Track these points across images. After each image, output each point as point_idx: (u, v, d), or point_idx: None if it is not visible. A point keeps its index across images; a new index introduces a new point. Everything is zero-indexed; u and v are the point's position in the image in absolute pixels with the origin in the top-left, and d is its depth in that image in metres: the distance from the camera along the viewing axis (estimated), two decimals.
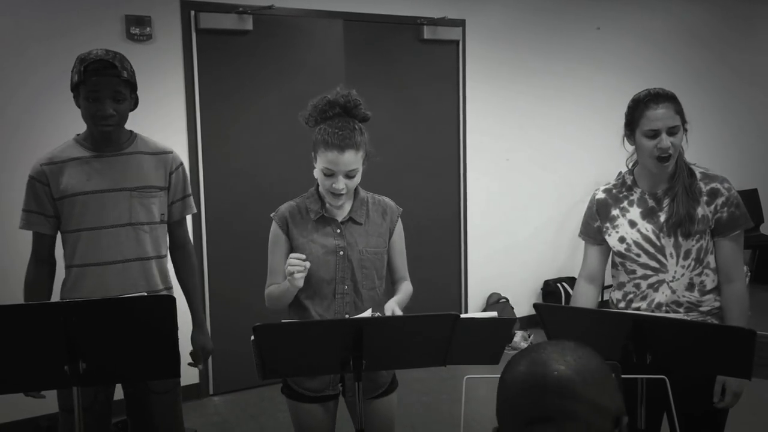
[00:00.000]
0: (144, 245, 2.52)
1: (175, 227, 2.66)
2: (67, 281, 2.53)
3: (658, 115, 2.34)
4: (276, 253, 2.42)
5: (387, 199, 2.50)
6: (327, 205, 2.38)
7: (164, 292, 2.59)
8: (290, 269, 2.20)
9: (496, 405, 1.19)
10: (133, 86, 2.48)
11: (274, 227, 2.42)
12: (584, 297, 2.61)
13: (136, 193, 2.49)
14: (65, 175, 2.45)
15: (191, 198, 2.70)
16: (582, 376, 1.12)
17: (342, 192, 2.29)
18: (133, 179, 2.50)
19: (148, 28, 4.17)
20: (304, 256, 2.24)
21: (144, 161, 2.54)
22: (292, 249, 2.39)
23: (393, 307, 2.31)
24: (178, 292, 2.62)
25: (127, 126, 2.62)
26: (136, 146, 2.55)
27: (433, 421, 4.19)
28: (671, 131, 2.34)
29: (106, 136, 2.45)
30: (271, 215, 2.45)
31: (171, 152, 2.62)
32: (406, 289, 2.49)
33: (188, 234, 2.75)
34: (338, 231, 2.38)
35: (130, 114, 2.52)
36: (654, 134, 2.35)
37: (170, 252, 2.68)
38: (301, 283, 2.24)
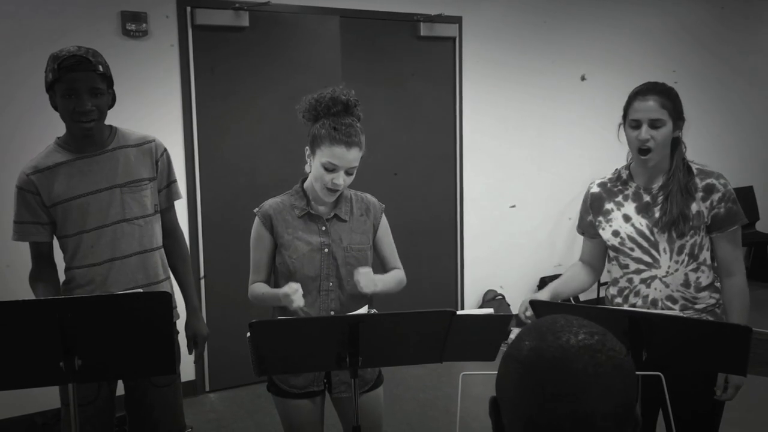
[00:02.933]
0: (141, 239, 2.51)
1: (164, 214, 2.64)
2: (67, 283, 2.52)
3: (642, 107, 2.37)
4: (259, 249, 2.43)
5: (369, 196, 2.51)
6: (312, 202, 2.39)
7: (165, 283, 2.59)
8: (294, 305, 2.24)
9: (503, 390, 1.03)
10: (109, 80, 2.43)
11: (257, 224, 2.43)
12: (571, 271, 2.66)
13: (126, 189, 2.48)
14: (54, 181, 2.42)
15: (177, 184, 2.68)
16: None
17: (340, 188, 2.30)
18: (121, 175, 2.48)
19: (144, 25, 4.16)
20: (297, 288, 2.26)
21: (130, 155, 2.51)
22: (276, 246, 2.40)
23: (371, 277, 2.29)
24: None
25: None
26: (118, 141, 2.52)
27: (429, 418, 4.19)
28: (653, 124, 2.35)
29: (87, 133, 2.41)
30: (255, 210, 2.45)
31: (153, 140, 2.59)
32: (396, 273, 2.49)
33: (177, 220, 2.73)
34: (323, 228, 2.38)
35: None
36: (636, 125, 2.38)
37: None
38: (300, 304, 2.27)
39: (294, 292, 2.23)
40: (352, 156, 2.28)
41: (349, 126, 2.28)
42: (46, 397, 2.50)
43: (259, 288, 2.42)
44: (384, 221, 2.49)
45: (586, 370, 0.94)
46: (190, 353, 2.73)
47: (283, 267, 2.39)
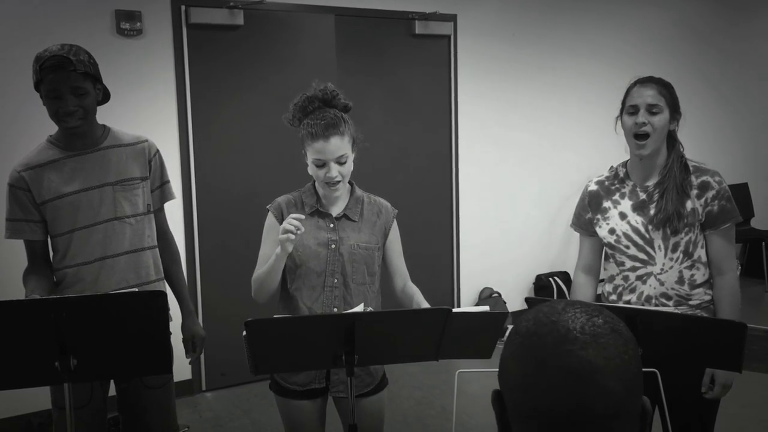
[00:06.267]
0: (132, 238, 2.50)
1: (155, 215, 2.62)
2: (57, 284, 2.51)
3: (640, 92, 2.40)
4: (268, 242, 2.42)
5: (383, 200, 2.52)
6: (322, 200, 2.40)
7: (158, 284, 2.58)
8: (287, 227, 2.18)
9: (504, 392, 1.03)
10: (94, 78, 2.40)
11: (270, 218, 2.43)
12: (583, 288, 2.63)
13: (118, 187, 2.47)
14: (45, 179, 2.41)
15: (170, 184, 2.66)
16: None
17: (337, 179, 2.31)
18: (113, 174, 2.47)
19: (138, 23, 4.15)
20: (300, 225, 2.21)
21: (122, 154, 2.50)
22: None
23: None
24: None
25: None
26: (111, 140, 2.50)
27: (425, 416, 4.20)
28: (651, 109, 2.37)
29: (73, 133, 2.39)
30: (267, 207, 2.46)
31: (146, 140, 2.58)
32: (418, 291, 2.47)
33: (167, 222, 2.72)
34: (331, 225, 2.39)
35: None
36: (634, 110, 2.39)
37: None
38: (290, 248, 2.22)
39: (288, 228, 2.18)
40: (334, 145, 2.28)
41: (325, 118, 2.29)
42: (41, 398, 2.49)
43: (260, 272, 2.38)
44: (395, 227, 2.50)
45: (583, 329, 0.95)
46: (187, 355, 2.72)
47: (289, 260, 2.37)
